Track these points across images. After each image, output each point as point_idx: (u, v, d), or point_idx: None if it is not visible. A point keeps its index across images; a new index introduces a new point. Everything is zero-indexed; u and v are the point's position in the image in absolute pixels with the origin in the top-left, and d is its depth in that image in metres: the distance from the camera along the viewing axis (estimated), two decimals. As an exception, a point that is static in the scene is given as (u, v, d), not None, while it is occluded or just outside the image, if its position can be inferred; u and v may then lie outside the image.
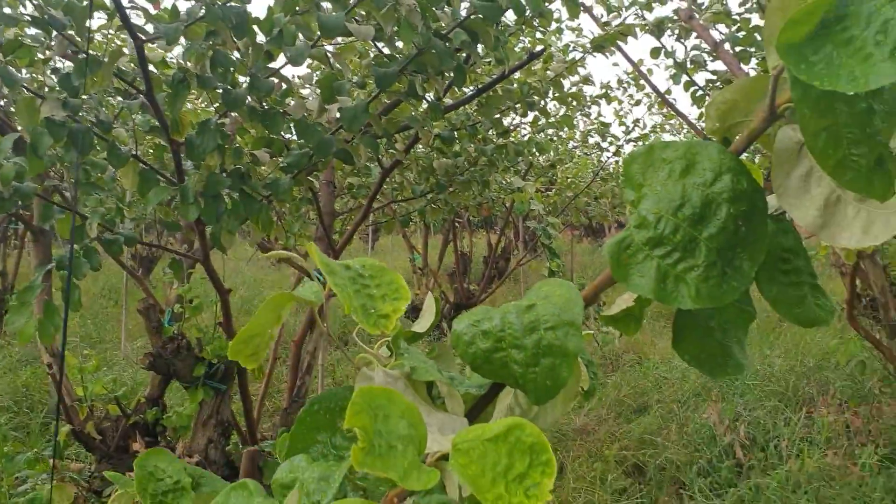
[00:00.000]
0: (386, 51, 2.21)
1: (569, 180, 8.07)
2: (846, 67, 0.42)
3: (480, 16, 1.95)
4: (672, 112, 8.47)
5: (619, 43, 4.03)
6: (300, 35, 1.82)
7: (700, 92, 4.66)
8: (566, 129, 6.74)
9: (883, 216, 0.53)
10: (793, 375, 5.04)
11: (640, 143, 8.11)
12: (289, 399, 3.26)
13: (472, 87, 3.38)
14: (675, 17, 4.27)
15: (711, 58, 4.43)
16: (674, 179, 0.64)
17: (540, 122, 4.47)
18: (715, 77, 4.63)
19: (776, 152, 0.60)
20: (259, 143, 2.26)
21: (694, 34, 4.29)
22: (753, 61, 4.19)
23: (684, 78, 4.60)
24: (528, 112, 3.91)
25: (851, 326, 3.52)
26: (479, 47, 2.23)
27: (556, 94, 3.67)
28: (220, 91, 1.78)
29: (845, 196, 0.56)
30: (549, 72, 3.63)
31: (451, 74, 2.19)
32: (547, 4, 2.61)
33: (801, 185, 0.59)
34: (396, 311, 0.66)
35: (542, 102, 3.68)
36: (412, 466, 0.54)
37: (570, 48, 3.94)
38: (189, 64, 1.77)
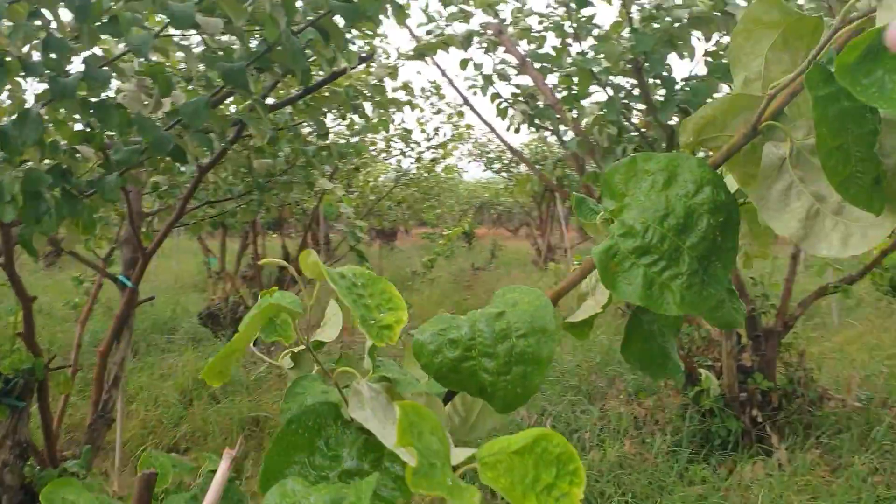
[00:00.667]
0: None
1: (370, 184, 8.13)
2: (899, 91, 0.46)
3: (335, 15, 1.90)
4: (468, 123, 8.83)
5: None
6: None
7: (504, 104, 4.89)
8: (370, 134, 6.79)
9: (861, 229, 0.59)
10: (584, 370, 5.43)
11: (439, 150, 8.36)
12: (93, 414, 2.96)
13: (297, 88, 3.28)
14: (483, 31, 4.45)
15: (517, 72, 4.66)
16: (657, 190, 0.66)
17: (356, 126, 4.45)
18: (519, 91, 4.89)
19: (761, 168, 0.64)
20: (77, 137, 2.03)
21: (502, 48, 4.50)
22: (555, 77, 4.44)
23: (491, 89, 4.81)
24: (350, 114, 3.88)
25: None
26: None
27: (378, 98, 3.68)
28: (48, 79, 1.58)
29: (824, 209, 0.62)
30: (371, 76, 3.63)
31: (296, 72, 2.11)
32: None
33: (781, 198, 0.64)
34: (399, 322, 0.63)
35: (363, 106, 3.67)
36: (455, 484, 0.51)
37: (390, 56, 3.97)
38: (13, 48, 1.55)
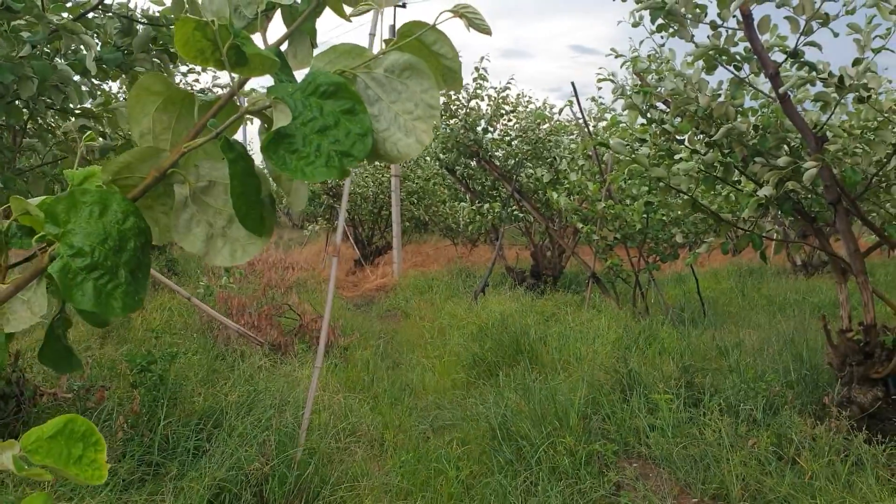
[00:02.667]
0: None
1: None
2: (298, 166, 0.79)
3: None
4: None
5: None
6: None
7: None
8: None
9: (242, 246, 0.90)
10: None
11: None
12: None
13: None
14: None
15: None
16: (95, 218, 0.82)
17: None
18: None
19: (175, 202, 0.88)
20: None
21: None
22: None
23: None
24: None
25: None
26: None
27: None
28: None
29: (216, 233, 0.90)
30: None
31: None
32: None
33: (187, 225, 0.89)
34: None
35: None
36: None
37: None
38: None
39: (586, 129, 7.43)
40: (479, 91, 8.48)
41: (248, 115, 0.86)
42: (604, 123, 8.15)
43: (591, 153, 7.44)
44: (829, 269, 11.88)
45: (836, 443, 3.52)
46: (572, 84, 7.68)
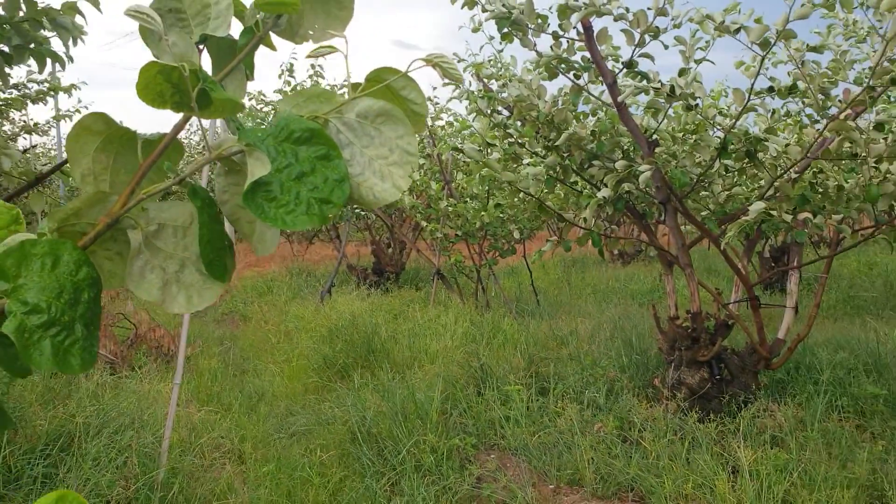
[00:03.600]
0: None
1: None
2: (279, 215, 0.78)
3: None
4: None
5: None
6: None
7: None
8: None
9: (198, 291, 0.87)
10: None
11: None
12: None
13: None
14: None
15: None
16: (48, 271, 0.76)
17: None
18: None
19: (131, 249, 0.83)
20: None
21: None
22: None
23: None
24: None
25: None
26: None
27: None
28: None
29: (170, 279, 0.86)
30: None
31: None
32: None
33: (141, 272, 0.85)
34: None
35: None
36: None
37: None
38: None
39: (427, 129, 7.56)
40: (316, 86, 8.38)
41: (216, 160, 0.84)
42: (441, 122, 8.34)
43: (430, 152, 7.59)
44: (643, 258, 12.87)
45: (673, 423, 3.86)
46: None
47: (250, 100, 9.36)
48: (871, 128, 3.64)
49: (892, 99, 4.57)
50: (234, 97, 0.80)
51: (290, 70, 9.02)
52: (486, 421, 4.25)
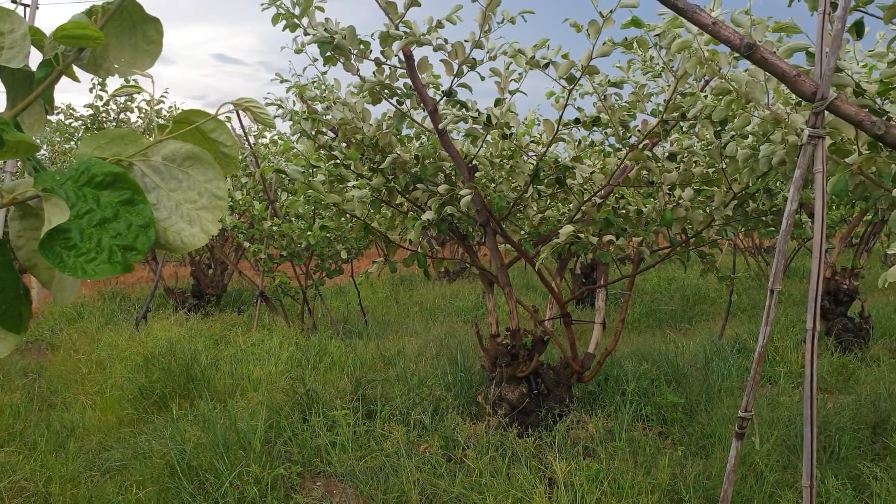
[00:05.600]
0: None
1: None
2: (78, 264, 0.74)
3: None
4: None
5: None
6: None
7: None
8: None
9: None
10: None
11: None
12: None
13: None
14: None
15: None
16: None
17: None
18: None
19: None
20: None
21: None
22: None
23: None
24: None
25: None
26: None
27: None
28: None
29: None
30: None
31: None
32: None
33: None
34: None
35: None
36: None
37: None
38: None
39: (248, 146, 7.38)
40: (129, 103, 7.93)
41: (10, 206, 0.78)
42: (265, 140, 8.17)
43: (252, 171, 7.42)
44: (468, 275, 13.27)
45: (494, 439, 4.01)
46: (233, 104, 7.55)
47: (58, 114, 8.67)
48: (664, 157, 4.01)
49: (685, 130, 5.04)
50: (27, 139, 0.75)
51: (102, 84, 8.48)
52: (312, 448, 4.19)
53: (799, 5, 2.60)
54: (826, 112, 2.27)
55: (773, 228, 3.97)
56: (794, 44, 2.60)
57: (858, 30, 2.60)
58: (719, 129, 3.49)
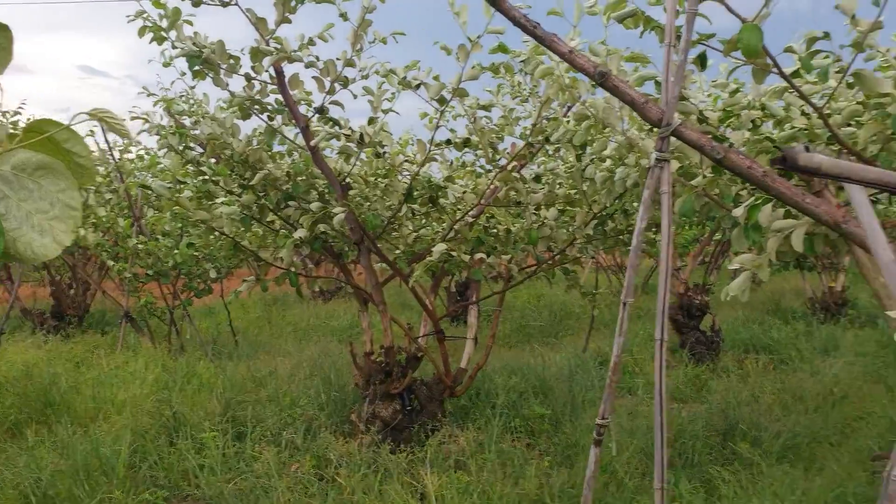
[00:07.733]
0: None
1: None
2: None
3: None
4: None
5: None
6: None
7: None
8: None
9: None
10: None
11: None
12: None
13: None
14: None
15: None
16: None
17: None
18: None
19: None
20: None
21: None
22: None
23: None
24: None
25: None
26: None
27: None
28: None
29: None
30: None
31: None
32: None
33: None
34: None
35: None
36: None
37: None
38: None
39: (112, 161, 7.07)
40: (-21, 113, 7.41)
41: None
42: (131, 155, 7.85)
43: (116, 187, 7.11)
44: (343, 295, 13.19)
45: (367, 457, 4.01)
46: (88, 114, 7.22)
47: None
48: (531, 179, 4.18)
49: (550, 153, 5.27)
50: None
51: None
52: (180, 472, 4.05)
53: (650, 36, 2.81)
54: (673, 137, 2.45)
55: (629, 247, 4.22)
56: (644, 73, 2.80)
57: (702, 61, 2.82)
58: (580, 152, 3.69)
